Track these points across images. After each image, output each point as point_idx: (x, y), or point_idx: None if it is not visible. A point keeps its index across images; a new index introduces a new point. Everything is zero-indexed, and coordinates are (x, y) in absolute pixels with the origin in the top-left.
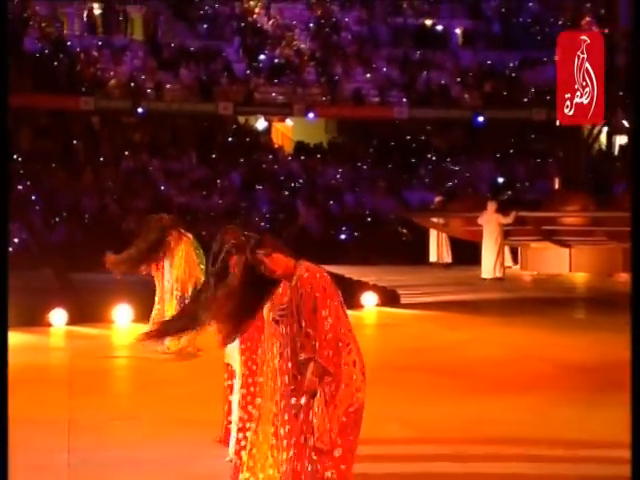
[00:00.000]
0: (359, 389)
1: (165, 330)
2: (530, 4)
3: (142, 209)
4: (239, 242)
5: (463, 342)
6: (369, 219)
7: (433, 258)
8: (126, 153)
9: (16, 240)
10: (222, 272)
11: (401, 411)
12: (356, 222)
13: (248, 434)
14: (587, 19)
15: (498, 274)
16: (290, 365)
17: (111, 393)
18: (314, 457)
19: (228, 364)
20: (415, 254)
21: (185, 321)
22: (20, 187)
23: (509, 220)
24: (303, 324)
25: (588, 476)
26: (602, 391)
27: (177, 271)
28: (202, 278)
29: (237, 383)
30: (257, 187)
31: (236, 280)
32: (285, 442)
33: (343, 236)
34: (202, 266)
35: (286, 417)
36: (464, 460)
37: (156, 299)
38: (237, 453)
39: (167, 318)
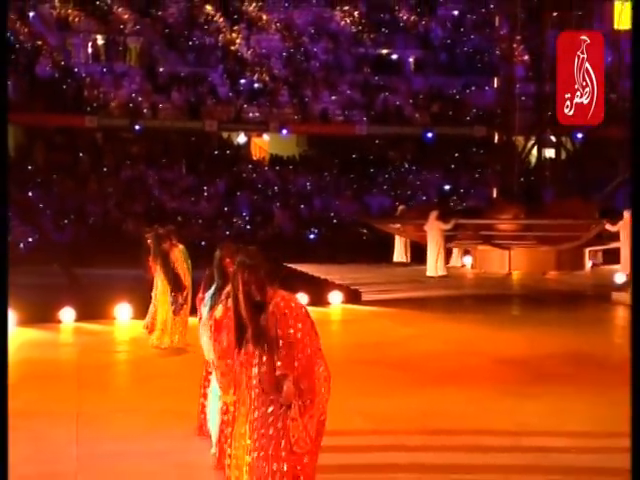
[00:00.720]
0: (325, 400)
1: None
2: (471, 36)
3: (139, 213)
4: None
5: (414, 337)
6: (335, 221)
7: (397, 258)
8: (126, 164)
9: (30, 239)
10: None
11: (362, 404)
12: (323, 224)
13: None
14: (519, 50)
15: (440, 272)
16: (259, 380)
17: (113, 386)
18: (284, 456)
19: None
20: (374, 253)
21: None
22: (34, 194)
23: (449, 227)
24: (281, 343)
25: (524, 465)
26: (533, 383)
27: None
28: (190, 284)
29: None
30: (238, 193)
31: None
32: (257, 443)
33: (312, 236)
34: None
35: (260, 425)
36: (415, 450)
37: (152, 298)
38: (220, 428)
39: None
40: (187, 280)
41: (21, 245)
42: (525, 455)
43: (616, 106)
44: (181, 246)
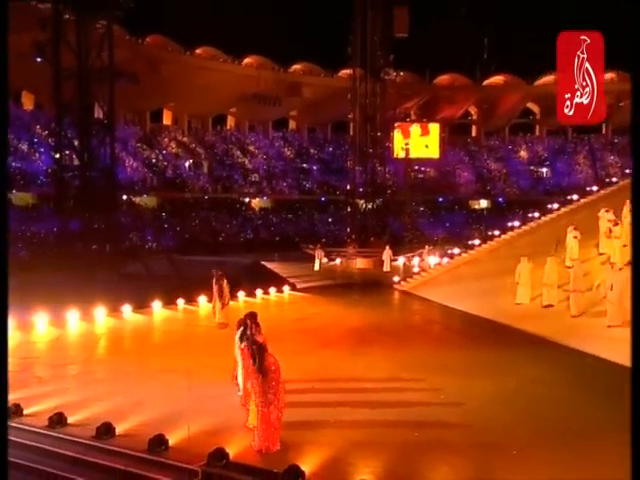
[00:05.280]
0: (282, 388)
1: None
2: (340, 160)
3: (206, 230)
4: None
5: (316, 314)
6: (287, 235)
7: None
8: (200, 211)
9: (167, 242)
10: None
11: (295, 360)
12: (282, 237)
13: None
14: (357, 169)
15: (318, 269)
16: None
17: (197, 349)
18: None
19: None
20: (299, 254)
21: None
22: (166, 224)
23: (323, 252)
24: (272, 368)
25: (357, 401)
26: (361, 346)
27: (223, 294)
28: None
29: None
30: (246, 224)
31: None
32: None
33: (276, 240)
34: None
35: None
36: (320, 392)
37: (214, 302)
38: (244, 383)
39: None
40: (226, 295)
41: (154, 244)
42: (360, 394)
43: (395, 185)
44: (225, 280)
